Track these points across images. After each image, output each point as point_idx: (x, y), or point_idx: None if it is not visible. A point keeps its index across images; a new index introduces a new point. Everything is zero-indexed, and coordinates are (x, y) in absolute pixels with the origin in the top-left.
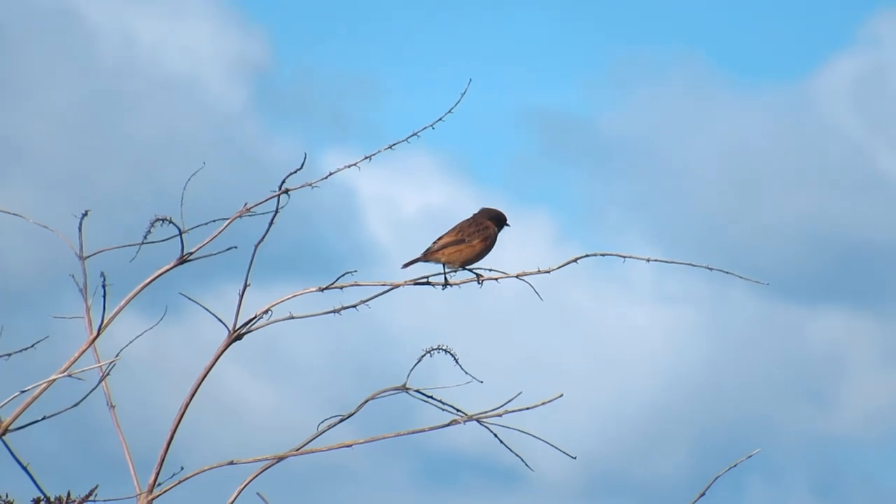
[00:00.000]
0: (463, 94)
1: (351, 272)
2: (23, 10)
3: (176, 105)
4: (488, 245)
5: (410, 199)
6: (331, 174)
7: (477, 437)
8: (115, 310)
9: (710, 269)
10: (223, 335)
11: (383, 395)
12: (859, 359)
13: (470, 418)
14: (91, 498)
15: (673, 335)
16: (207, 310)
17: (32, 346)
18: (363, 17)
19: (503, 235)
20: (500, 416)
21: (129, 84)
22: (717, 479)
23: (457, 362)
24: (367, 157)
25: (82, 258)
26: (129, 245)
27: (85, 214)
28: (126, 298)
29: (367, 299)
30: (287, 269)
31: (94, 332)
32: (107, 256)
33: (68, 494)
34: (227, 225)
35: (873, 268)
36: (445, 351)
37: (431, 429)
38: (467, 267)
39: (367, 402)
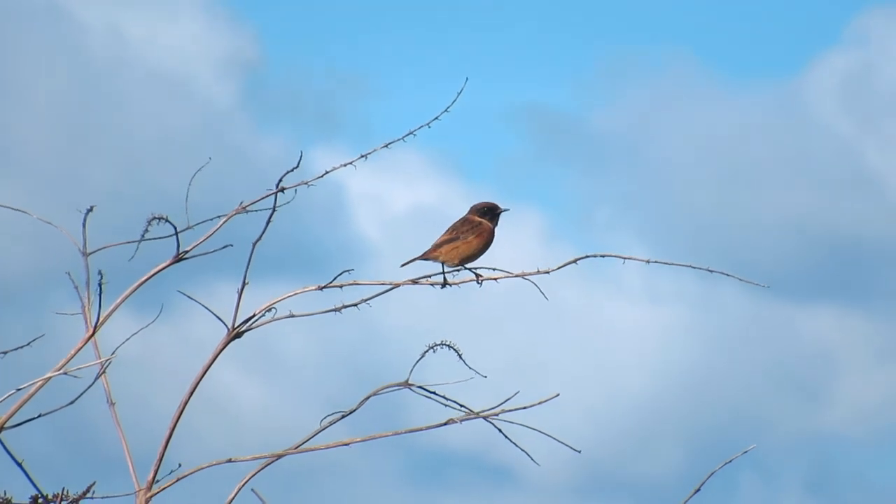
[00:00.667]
0: (459, 93)
1: (348, 270)
2: (11, 7)
3: (165, 102)
4: (485, 239)
5: (400, 197)
6: (327, 173)
7: (471, 434)
8: (112, 307)
9: (711, 271)
10: (219, 333)
11: (386, 391)
12: (850, 356)
13: (467, 417)
14: (88, 495)
15: (665, 333)
16: (207, 308)
17: (28, 343)
18: (353, 14)
19: (496, 234)
20: (497, 414)
21: (118, 81)
22: (712, 475)
23: (460, 357)
24: (362, 156)
25: (85, 254)
26: (130, 242)
27: (90, 210)
28: (122, 296)
29: (369, 298)
30: (278, 266)
31: (90, 330)
32: (100, 254)
33: (65, 492)
34: (224, 223)
35: (863, 265)
36: (449, 346)
37: (429, 427)
38: (467, 266)
39: (368, 398)
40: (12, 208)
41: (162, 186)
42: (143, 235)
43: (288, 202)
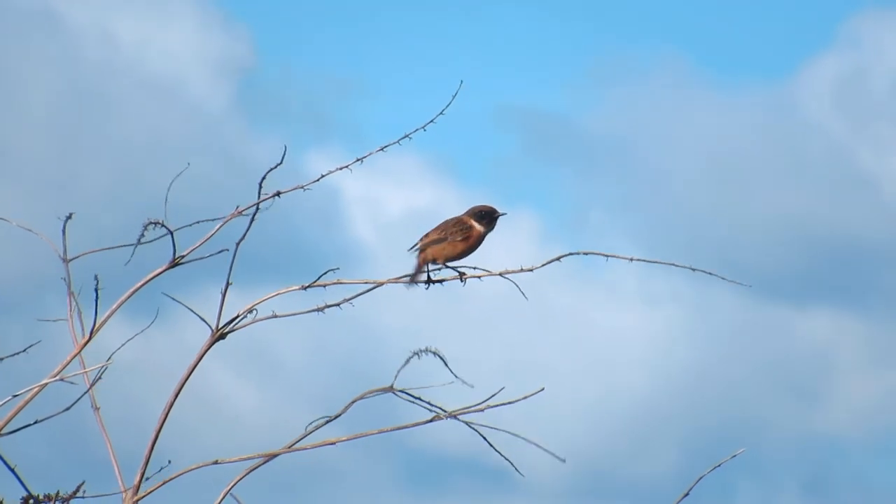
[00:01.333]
0: (454, 97)
1: (333, 270)
2: (3, 12)
3: (158, 106)
4: (471, 244)
5: (394, 200)
6: (323, 176)
7: (464, 437)
8: (107, 313)
9: (693, 269)
10: (206, 336)
11: (370, 395)
12: (847, 358)
13: (451, 414)
14: (78, 495)
15: (661, 335)
16: (190, 309)
17: (24, 350)
18: (346, 17)
19: (489, 235)
20: (482, 411)
21: (110, 85)
22: (701, 478)
23: (445, 364)
24: (358, 160)
25: (66, 261)
26: (116, 247)
27: (69, 217)
28: (118, 302)
29: (351, 298)
30: (272, 269)
31: (86, 336)
32: (90, 259)
33: (57, 493)
34: (220, 228)
35: (858, 267)
36: (434, 353)
37: (415, 424)
38: (449, 265)
39: (354, 402)
40: None
41: (156, 190)
42: (138, 241)
43: (270, 206)
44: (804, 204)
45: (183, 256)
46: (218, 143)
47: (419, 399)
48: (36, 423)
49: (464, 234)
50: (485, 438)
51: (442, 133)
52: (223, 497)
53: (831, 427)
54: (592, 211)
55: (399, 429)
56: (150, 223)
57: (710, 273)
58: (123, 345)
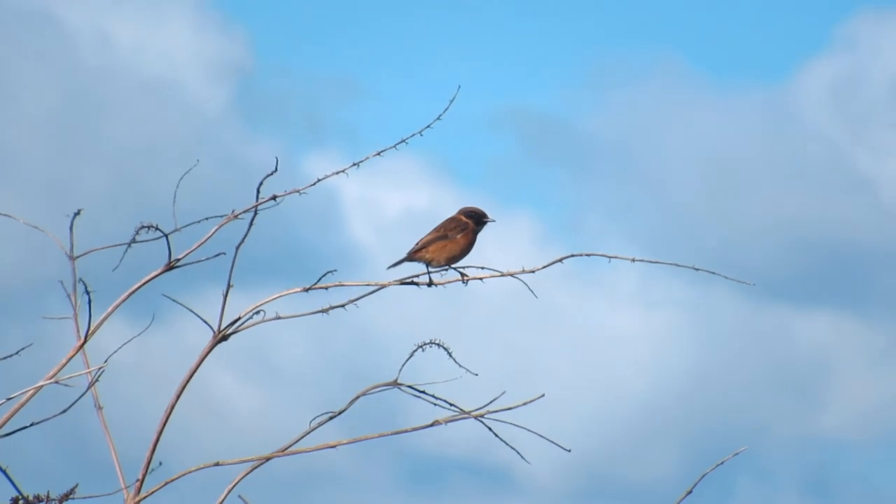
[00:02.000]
0: (452, 101)
1: (332, 271)
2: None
3: (155, 108)
4: (469, 239)
5: (393, 202)
6: (319, 180)
7: (463, 436)
8: (103, 315)
9: (696, 269)
10: (208, 338)
11: (374, 391)
12: (846, 360)
13: (453, 418)
14: (71, 496)
15: (661, 337)
16: (192, 311)
17: (18, 352)
18: (343, 19)
19: (486, 237)
20: (482, 415)
21: (107, 87)
22: (704, 476)
23: (450, 355)
24: (355, 164)
25: (72, 258)
26: (118, 245)
27: (77, 213)
28: (114, 304)
29: (356, 299)
30: (269, 271)
31: (82, 339)
32: (89, 260)
33: (47, 494)
34: (216, 231)
35: (856, 269)
36: (438, 345)
37: (416, 429)
38: (453, 266)
39: (358, 398)
40: (0, 213)
41: (152, 192)
42: (130, 243)
43: (268, 208)
44: (802, 206)
45: (179, 259)
46: (215, 145)
47: (423, 393)
48: (32, 424)
49: (462, 230)
50: (490, 429)
51: (440, 135)
52: (226, 495)
53: (831, 428)
54: (590, 213)
55: (400, 433)
56: (144, 227)
57: (713, 273)
58: (121, 347)
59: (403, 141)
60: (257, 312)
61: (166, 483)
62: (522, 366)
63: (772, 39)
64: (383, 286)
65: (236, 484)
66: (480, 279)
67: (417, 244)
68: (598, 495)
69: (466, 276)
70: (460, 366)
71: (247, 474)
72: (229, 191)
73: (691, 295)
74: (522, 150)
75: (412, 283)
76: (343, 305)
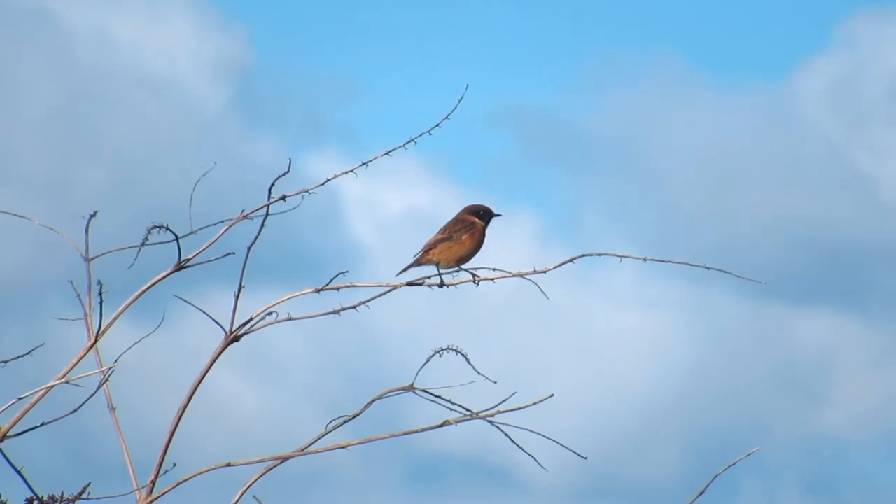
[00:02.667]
0: (460, 100)
1: (343, 273)
2: None
3: (155, 106)
4: (476, 239)
5: (394, 201)
6: (328, 180)
7: (470, 438)
8: (113, 316)
9: (708, 268)
10: (217, 339)
11: (390, 395)
12: (848, 359)
13: (464, 419)
14: (84, 496)
15: (662, 337)
16: (204, 312)
17: (29, 353)
18: (343, 18)
19: (487, 237)
20: (492, 416)
21: (107, 86)
22: (716, 477)
23: (468, 362)
24: (364, 164)
25: (87, 260)
26: (131, 247)
27: (93, 215)
28: (124, 305)
29: (368, 300)
30: (275, 272)
31: (92, 339)
32: (98, 262)
33: (61, 495)
34: (225, 231)
35: (856, 268)
36: (457, 351)
37: (426, 429)
38: (463, 267)
39: (373, 401)
40: (15, 214)
41: (153, 191)
42: (142, 244)
43: (285, 211)
44: (801, 205)
45: (188, 260)
46: (214, 143)
47: (440, 398)
48: (42, 425)
49: (468, 231)
50: (507, 435)
51: (440, 134)
52: (241, 496)
53: (833, 428)
54: (590, 212)
55: (409, 433)
56: (155, 227)
57: (724, 271)
58: (132, 346)
59: (412, 140)
60: (270, 313)
61: (178, 483)
62: (524, 365)
63: (771, 38)
64: (395, 287)
65: (252, 484)
66: (492, 280)
67: (423, 248)
68: (601, 494)
69: (478, 276)
70: (479, 373)
71: (262, 475)
72: (229, 190)
73: (694, 294)
74: (522, 149)
75: (423, 284)
76: (355, 307)
